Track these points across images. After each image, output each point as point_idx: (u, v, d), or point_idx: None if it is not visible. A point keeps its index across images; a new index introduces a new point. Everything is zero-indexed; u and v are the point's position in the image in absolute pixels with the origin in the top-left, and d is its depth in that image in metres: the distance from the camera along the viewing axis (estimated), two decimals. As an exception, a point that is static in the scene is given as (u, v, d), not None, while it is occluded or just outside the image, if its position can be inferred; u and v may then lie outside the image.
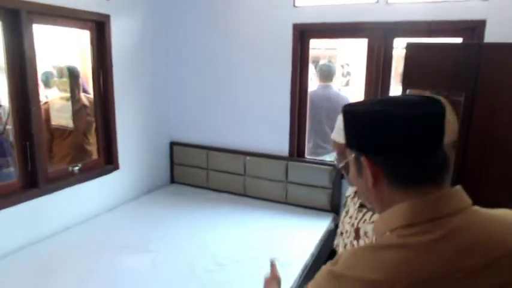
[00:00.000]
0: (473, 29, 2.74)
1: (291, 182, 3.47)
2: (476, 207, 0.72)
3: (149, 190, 3.77)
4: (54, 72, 3.75)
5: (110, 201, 3.34)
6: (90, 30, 3.09)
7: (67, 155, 3.30)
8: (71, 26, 2.97)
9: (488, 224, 0.70)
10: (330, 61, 4.74)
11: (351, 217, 1.36)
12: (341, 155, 1.23)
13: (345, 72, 6.97)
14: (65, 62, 3.44)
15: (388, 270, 0.64)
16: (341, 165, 1.18)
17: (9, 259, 2.47)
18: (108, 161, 3.34)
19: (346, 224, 1.37)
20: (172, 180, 4.08)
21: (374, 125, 0.71)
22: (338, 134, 1.22)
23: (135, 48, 3.47)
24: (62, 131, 3.38)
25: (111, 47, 3.19)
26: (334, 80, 3.88)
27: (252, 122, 3.64)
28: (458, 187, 0.72)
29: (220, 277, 2.32)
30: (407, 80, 2.36)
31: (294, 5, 3.26)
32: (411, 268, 0.64)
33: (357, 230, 1.30)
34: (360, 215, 1.29)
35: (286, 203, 3.46)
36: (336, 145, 1.25)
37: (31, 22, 2.62)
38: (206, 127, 3.87)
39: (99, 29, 3.12)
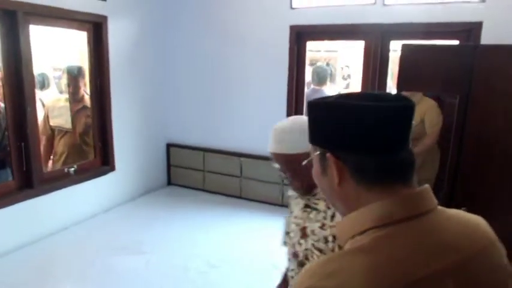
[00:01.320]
0: (469, 31, 2.74)
1: (287, 184, 3.44)
2: (441, 208, 0.70)
3: (146, 192, 3.77)
4: (54, 73, 3.76)
5: (106, 202, 3.33)
6: (88, 31, 3.10)
7: (62, 154, 3.29)
8: (68, 27, 2.98)
9: (457, 224, 0.70)
10: (327, 64, 4.73)
11: (296, 217, 1.35)
12: (284, 165, 1.23)
13: (345, 75, 6.96)
14: (66, 63, 3.43)
15: (369, 274, 0.61)
16: (288, 174, 1.20)
17: (5, 259, 2.47)
18: (104, 162, 3.34)
19: (291, 224, 1.37)
20: (169, 182, 4.07)
21: (342, 118, 0.68)
22: (277, 144, 1.23)
23: (132, 49, 3.47)
24: (60, 131, 3.37)
25: (108, 48, 3.20)
26: (332, 83, 3.87)
27: (249, 123, 3.64)
28: (427, 186, 0.69)
29: (213, 278, 2.32)
30: (402, 81, 2.35)
31: (291, 7, 3.26)
32: (393, 271, 0.62)
33: (303, 229, 1.31)
34: (305, 214, 1.30)
35: (281, 205, 3.44)
36: (276, 156, 1.23)
37: (28, 23, 2.62)
38: (203, 129, 3.87)
39: (96, 30, 3.13)
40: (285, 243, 1.45)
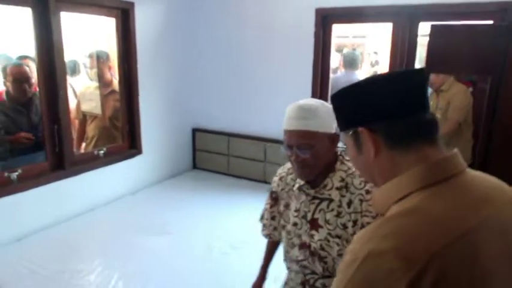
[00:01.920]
0: (504, 10, 2.60)
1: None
2: (468, 169, 0.77)
3: (171, 175, 3.85)
4: (86, 59, 3.88)
5: (133, 184, 3.44)
6: (116, 17, 3.17)
7: (93, 138, 3.40)
8: (97, 14, 3.06)
9: (484, 181, 0.78)
10: (354, 49, 4.65)
11: (297, 210, 1.38)
12: (308, 144, 1.25)
13: (373, 61, 6.80)
14: (94, 48, 3.53)
15: (424, 232, 0.67)
16: (311, 154, 1.25)
17: (37, 236, 2.61)
18: (131, 146, 3.43)
19: (290, 216, 1.41)
20: (194, 166, 4.14)
21: (367, 93, 0.78)
22: (306, 121, 1.25)
23: (159, 35, 3.52)
24: (90, 116, 3.48)
25: (136, 34, 3.26)
26: (361, 68, 3.85)
27: (273, 108, 3.62)
28: (456, 150, 0.77)
29: (234, 259, 2.36)
30: (430, 63, 2.28)
31: (317, -11, 3.20)
32: (447, 225, 0.68)
33: (313, 221, 1.34)
34: (313, 206, 1.33)
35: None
36: (302, 134, 1.25)
37: (59, 10, 2.71)
38: (228, 114, 3.90)
39: (123, 16, 3.20)
40: (263, 226, 1.57)
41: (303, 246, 1.37)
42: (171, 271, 2.26)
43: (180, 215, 3.00)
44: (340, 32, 5.14)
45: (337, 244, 1.31)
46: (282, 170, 1.51)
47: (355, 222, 1.28)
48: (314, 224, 1.34)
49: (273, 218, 1.55)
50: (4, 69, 2.81)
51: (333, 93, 0.86)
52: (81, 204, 2.98)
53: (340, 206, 1.30)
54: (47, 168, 2.79)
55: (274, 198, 1.51)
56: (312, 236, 1.35)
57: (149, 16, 3.38)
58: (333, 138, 1.28)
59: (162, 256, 2.43)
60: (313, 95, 3.39)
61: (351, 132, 0.82)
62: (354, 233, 1.26)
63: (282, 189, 1.46)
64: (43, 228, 2.69)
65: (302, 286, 1.40)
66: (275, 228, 1.55)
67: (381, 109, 0.76)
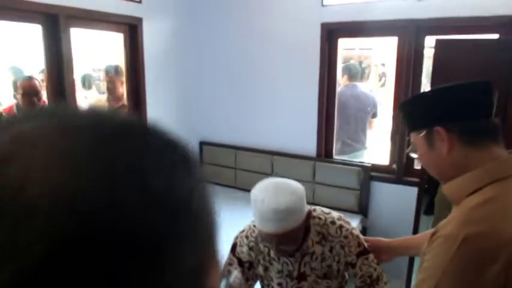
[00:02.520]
0: (510, 24, 2.60)
1: (319, 183, 3.44)
2: None
3: (179, 188, 3.86)
4: (95, 74, 3.94)
5: (141, 198, 3.45)
6: (124, 32, 3.22)
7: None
8: (106, 29, 3.12)
9: None
10: (360, 62, 4.67)
11: (279, 271, 1.46)
12: (291, 237, 1.31)
13: (381, 73, 6.81)
14: (105, 63, 3.58)
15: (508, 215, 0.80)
16: (292, 243, 1.33)
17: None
18: (139, 159, 3.45)
19: (275, 278, 1.48)
20: (202, 179, 4.15)
21: (449, 98, 0.94)
22: (285, 222, 1.27)
23: (166, 50, 3.58)
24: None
25: (143, 48, 3.31)
26: (367, 79, 3.86)
27: (280, 121, 3.65)
28: None
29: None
30: (436, 77, 2.29)
31: (322, 4, 3.24)
32: None
33: (300, 275, 1.43)
34: (297, 264, 1.43)
35: (313, 203, 3.41)
36: (286, 233, 1.28)
37: (69, 26, 2.76)
38: (234, 127, 3.92)
39: (131, 31, 3.25)
40: None
41: None
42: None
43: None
44: (346, 45, 5.19)
45: (326, 282, 1.43)
46: (245, 239, 1.52)
47: (338, 261, 1.40)
48: (302, 277, 1.42)
49: (246, 281, 1.51)
50: (15, 83, 2.86)
51: (404, 100, 1.06)
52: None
53: (322, 253, 1.39)
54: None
55: (248, 267, 1.50)
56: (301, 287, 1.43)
57: (156, 31, 3.44)
58: (307, 217, 1.33)
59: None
60: (319, 108, 3.41)
61: (424, 132, 0.96)
62: (338, 269, 1.41)
63: (256, 256, 1.48)
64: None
65: None
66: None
67: (456, 112, 0.91)
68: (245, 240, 1.52)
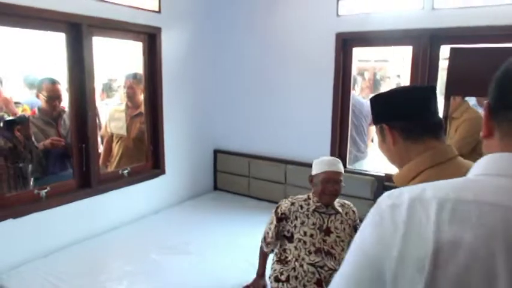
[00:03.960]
0: (526, 33, 2.61)
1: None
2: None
3: (193, 196, 3.90)
4: (115, 82, 4.04)
5: (156, 204, 3.50)
6: (143, 41, 3.32)
7: (117, 157, 3.51)
8: (126, 38, 3.21)
9: (468, 163, 1.04)
10: (374, 73, 4.70)
11: (314, 224, 2.03)
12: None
13: (396, 85, 6.80)
14: (125, 71, 3.67)
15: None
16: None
17: (63, 252, 2.67)
18: (155, 166, 3.52)
19: (306, 229, 2.03)
20: (216, 187, 4.19)
21: (393, 101, 1.14)
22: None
23: (184, 59, 3.66)
24: (117, 136, 3.60)
25: (162, 57, 3.40)
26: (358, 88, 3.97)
27: (294, 130, 3.68)
28: (450, 143, 1.10)
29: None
30: (450, 85, 2.30)
31: (337, 14, 3.28)
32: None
33: (327, 229, 2.03)
34: (326, 219, 2.06)
35: (326, 212, 3.42)
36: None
37: (91, 35, 2.86)
38: (248, 136, 3.97)
39: (150, 40, 3.34)
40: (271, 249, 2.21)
41: (318, 251, 1.98)
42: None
43: (201, 235, 3.02)
44: (361, 56, 5.23)
45: (341, 245, 2.02)
46: (289, 199, 2.16)
47: (349, 225, 2.09)
48: (328, 231, 2.03)
49: (277, 235, 2.11)
50: (40, 85, 2.96)
51: (371, 98, 1.22)
52: (106, 222, 3.05)
53: (341, 216, 2.08)
54: (74, 186, 2.89)
55: (280, 219, 2.09)
56: (324, 241, 2.01)
57: (174, 40, 3.53)
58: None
59: (182, 275, 2.45)
60: (333, 117, 3.43)
61: (378, 126, 1.16)
62: (349, 234, 2.05)
63: (295, 211, 2.07)
64: (69, 245, 2.75)
65: (317, 284, 1.93)
66: (275, 244, 2.15)
67: (398, 113, 1.11)
68: (288, 200, 2.15)
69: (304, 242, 2.00)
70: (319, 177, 2.04)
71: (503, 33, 2.68)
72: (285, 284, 1.98)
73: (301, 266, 1.97)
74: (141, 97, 3.52)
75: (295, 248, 2.02)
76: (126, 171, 3.25)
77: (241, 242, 2.91)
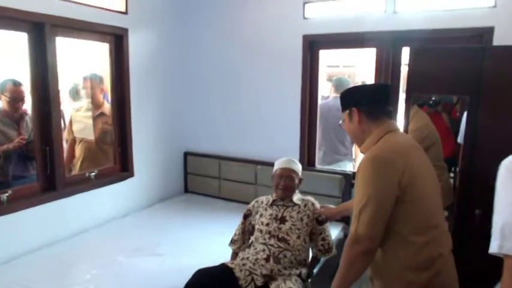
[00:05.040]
0: (481, 36, 2.75)
1: (301, 191, 3.46)
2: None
3: (163, 198, 3.86)
4: (81, 83, 3.93)
5: (125, 207, 3.44)
6: (109, 43, 3.27)
7: (79, 159, 3.43)
8: (92, 39, 3.16)
9: (405, 134, 1.84)
10: (348, 76, 4.85)
11: (270, 214, 2.30)
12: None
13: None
14: (87, 72, 3.59)
15: (392, 148, 1.49)
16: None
17: (29, 256, 2.59)
18: (123, 168, 3.46)
19: (263, 220, 2.30)
20: (186, 190, 4.16)
21: (362, 91, 1.65)
22: (295, 165, 2.51)
23: (152, 60, 3.63)
24: (79, 137, 3.52)
25: (129, 58, 3.36)
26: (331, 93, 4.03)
27: (264, 131, 3.71)
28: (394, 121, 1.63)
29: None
30: (411, 84, 2.39)
31: (304, 17, 3.35)
32: (396, 144, 1.52)
33: (282, 218, 2.28)
34: (282, 210, 2.32)
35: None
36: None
37: (55, 35, 2.79)
38: (219, 137, 3.97)
39: (117, 42, 3.30)
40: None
41: (272, 236, 2.21)
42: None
43: (171, 237, 2.99)
44: (331, 62, 5.37)
45: (296, 233, 2.22)
46: (256, 198, 2.51)
47: (308, 216, 2.30)
48: (282, 220, 2.27)
49: (243, 232, 2.44)
50: (2, 86, 2.85)
51: (343, 91, 1.67)
52: (73, 226, 2.97)
53: (299, 207, 2.32)
54: (38, 190, 2.80)
55: (246, 216, 2.45)
56: (279, 229, 2.23)
57: (142, 41, 3.50)
58: (300, 180, 2.42)
59: (152, 277, 2.41)
60: (302, 117, 3.49)
61: (348, 111, 1.61)
62: (307, 224, 2.27)
63: (257, 207, 2.41)
64: (33, 250, 2.66)
65: (266, 259, 2.16)
66: (242, 242, 2.42)
67: (366, 99, 1.58)
68: (254, 199, 2.51)
69: (261, 231, 2.26)
70: (275, 174, 2.38)
71: (460, 35, 2.82)
72: (240, 262, 2.20)
73: (255, 247, 2.23)
74: (101, 97, 3.46)
75: (255, 238, 2.29)
76: (93, 173, 3.18)
77: (213, 243, 2.90)
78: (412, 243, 1.40)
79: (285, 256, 2.16)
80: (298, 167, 2.42)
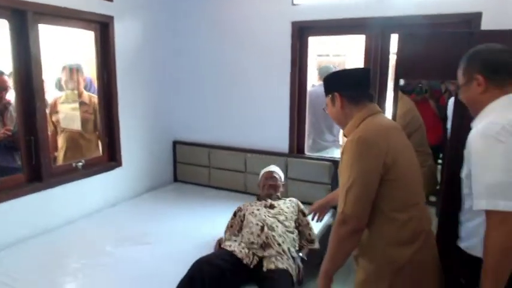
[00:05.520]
0: (469, 21, 2.75)
1: (291, 178, 3.49)
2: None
3: (152, 188, 3.84)
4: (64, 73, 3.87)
5: (113, 197, 3.41)
6: (95, 30, 3.20)
7: (62, 149, 3.39)
8: (76, 27, 3.08)
9: (386, 117, 1.69)
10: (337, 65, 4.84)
11: (258, 209, 2.55)
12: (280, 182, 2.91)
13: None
14: (69, 61, 3.53)
15: (375, 129, 1.50)
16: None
17: (15, 248, 2.56)
18: (111, 158, 3.42)
19: (254, 210, 2.56)
20: (176, 179, 4.14)
21: (343, 77, 1.65)
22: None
23: (139, 49, 3.57)
24: (61, 127, 3.48)
25: (115, 47, 3.29)
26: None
27: (253, 119, 3.69)
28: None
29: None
30: (400, 70, 2.37)
31: (293, 3, 3.32)
32: (379, 126, 1.53)
33: (270, 205, 2.61)
34: (270, 201, 2.66)
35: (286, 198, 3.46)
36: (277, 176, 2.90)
37: (37, 22, 2.72)
38: (208, 126, 3.94)
39: (103, 29, 3.23)
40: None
41: (260, 223, 2.41)
42: (152, 277, 2.24)
43: (161, 226, 2.98)
44: (321, 51, 5.36)
45: (285, 215, 2.53)
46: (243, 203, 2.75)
47: (293, 206, 2.66)
48: (271, 206, 2.60)
49: (231, 226, 2.64)
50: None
51: (325, 76, 1.66)
52: (59, 217, 2.94)
53: (285, 201, 2.71)
54: (23, 180, 2.76)
55: (235, 213, 2.68)
56: (269, 212, 2.52)
57: (128, 29, 3.43)
58: (282, 185, 2.85)
59: (141, 265, 2.40)
60: (291, 104, 3.47)
61: (330, 96, 1.64)
62: (292, 213, 2.60)
63: (247, 206, 2.66)
64: (20, 241, 2.63)
65: (261, 229, 2.36)
66: (229, 234, 2.59)
67: (347, 84, 1.60)
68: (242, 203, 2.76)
69: (253, 213, 2.51)
70: (261, 179, 2.84)
71: (448, 21, 2.81)
72: (236, 244, 2.35)
73: (249, 227, 2.41)
74: (82, 86, 3.42)
75: (247, 221, 2.49)
76: (80, 163, 3.13)
77: (203, 231, 2.90)
78: (395, 220, 1.45)
79: (277, 226, 2.40)
80: (281, 173, 2.87)
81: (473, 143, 1.33)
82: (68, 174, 3.03)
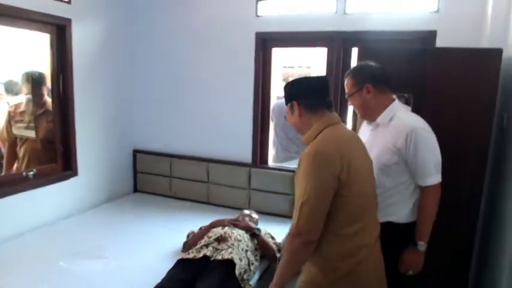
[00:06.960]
0: (425, 39, 2.87)
1: (254, 189, 3.47)
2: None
3: (110, 198, 3.69)
4: (20, 78, 3.66)
5: (67, 208, 3.24)
6: (50, 33, 3.06)
7: (24, 160, 3.19)
8: (30, 29, 2.93)
9: (346, 127, 1.72)
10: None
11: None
12: None
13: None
14: (31, 67, 3.34)
15: (332, 141, 1.51)
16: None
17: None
18: (66, 167, 3.26)
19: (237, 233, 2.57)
20: (136, 189, 4.01)
21: (300, 85, 1.63)
22: None
23: (98, 53, 3.45)
24: (21, 137, 3.28)
25: (72, 51, 3.16)
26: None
27: (216, 129, 3.65)
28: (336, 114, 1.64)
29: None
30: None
31: (257, 15, 3.33)
32: (336, 138, 1.53)
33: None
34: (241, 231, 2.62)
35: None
36: None
37: (-14, 22, 2.57)
38: (169, 135, 3.86)
39: (59, 32, 3.10)
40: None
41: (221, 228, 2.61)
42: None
43: (118, 239, 2.86)
44: (286, 63, 5.44)
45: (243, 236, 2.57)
46: None
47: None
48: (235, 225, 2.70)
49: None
50: None
51: (285, 84, 1.65)
52: (7, 229, 2.74)
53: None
54: (-34, 191, 2.57)
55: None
56: (233, 233, 2.55)
57: (87, 33, 3.31)
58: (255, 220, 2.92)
59: (95, 280, 2.28)
60: (254, 115, 3.47)
61: (289, 104, 1.62)
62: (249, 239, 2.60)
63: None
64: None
65: (221, 228, 2.61)
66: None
67: (303, 93, 1.60)
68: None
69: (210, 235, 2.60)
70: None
71: (407, 37, 2.92)
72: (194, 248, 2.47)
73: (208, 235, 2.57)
74: (45, 95, 3.24)
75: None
76: (32, 173, 2.96)
77: (163, 243, 2.81)
78: (341, 236, 1.50)
79: (237, 231, 2.56)
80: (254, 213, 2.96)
81: (420, 135, 1.78)
82: (17, 185, 2.85)
